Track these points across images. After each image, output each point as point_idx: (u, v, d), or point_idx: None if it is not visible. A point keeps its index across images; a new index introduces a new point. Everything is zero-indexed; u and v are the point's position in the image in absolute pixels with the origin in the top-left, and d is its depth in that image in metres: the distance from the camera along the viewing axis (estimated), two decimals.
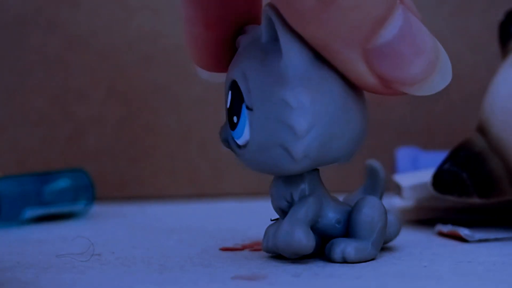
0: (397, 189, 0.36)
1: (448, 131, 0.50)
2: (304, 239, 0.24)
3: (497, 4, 0.42)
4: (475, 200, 0.32)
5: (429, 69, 0.23)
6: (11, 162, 0.49)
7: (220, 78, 0.28)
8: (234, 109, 0.25)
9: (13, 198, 0.38)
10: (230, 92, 0.25)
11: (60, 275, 0.24)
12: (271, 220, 0.27)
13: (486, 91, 0.33)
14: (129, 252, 0.29)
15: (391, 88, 0.23)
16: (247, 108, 0.24)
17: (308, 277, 0.23)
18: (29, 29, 0.50)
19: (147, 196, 0.50)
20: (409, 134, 0.51)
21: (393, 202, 0.36)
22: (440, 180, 0.32)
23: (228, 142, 0.26)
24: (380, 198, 0.28)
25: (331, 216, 0.26)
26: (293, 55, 0.23)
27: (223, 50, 0.27)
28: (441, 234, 0.32)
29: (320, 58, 0.24)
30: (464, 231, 0.30)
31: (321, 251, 0.26)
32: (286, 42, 0.23)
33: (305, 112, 0.23)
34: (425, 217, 0.35)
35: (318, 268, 0.25)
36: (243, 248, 0.29)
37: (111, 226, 0.38)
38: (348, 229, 0.26)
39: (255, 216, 0.33)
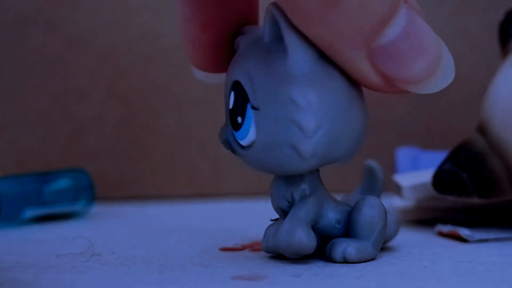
0: (397, 189, 0.36)
1: (448, 131, 0.50)
2: (305, 239, 0.24)
3: (497, 4, 0.42)
4: (475, 200, 0.32)
5: (433, 67, 0.23)
6: (11, 162, 0.49)
7: (216, 79, 0.28)
8: (238, 110, 0.25)
9: (13, 198, 0.38)
10: (232, 93, 0.25)
11: (60, 275, 0.24)
12: (271, 220, 0.27)
13: (486, 91, 0.33)
14: (129, 252, 0.29)
15: (394, 86, 0.24)
16: (253, 108, 0.24)
17: (308, 277, 0.23)
18: (29, 29, 0.50)
19: (147, 196, 0.50)
20: (409, 134, 0.51)
21: (393, 202, 0.36)
22: (440, 180, 0.32)
23: (229, 143, 0.26)
24: (378, 198, 0.29)
25: (331, 216, 0.26)
26: (299, 54, 0.23)
27: (220, 51, 0.26)
28: (441, 234, 0.32)
29: (324, 56, 0.24)
30: (464, 231, 0.30)
31: (321, 251, 0.26)
32: (292, 41, 0.23)
33: (313, 111, 0.23)
34: (425, 217, 0.35)
35: (318, 268, 0.25)
36: (243, 248, 0.29)
37: (111, 226, 0.38)
38: (348, 229, 0.26)
39: (255, 216, 0.33)
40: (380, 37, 0.23)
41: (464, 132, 0.34)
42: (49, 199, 0.39)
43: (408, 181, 0.35)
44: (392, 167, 0.43)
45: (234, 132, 0.25)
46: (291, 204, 0.26)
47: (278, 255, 0.26)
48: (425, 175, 0.34)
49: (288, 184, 0.26)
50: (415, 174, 0.36)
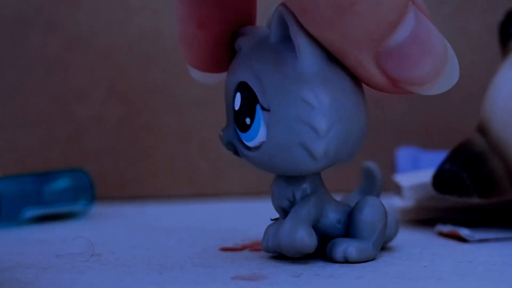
0: (397, 189, 0.36)
1: (448, 131, 0.50)
2: (306, 238, 0.24)
3: (497, 4, 0.42)
4: (475, 200, 0.32)
5: (438, 69, 0.23)
6: (11, 162, 0.49)
7: (213, 79, 0.28)
8: (246, 111, 0.25)
9: (13, 198, 0.38)
10: (239, 94, 0.25)
11: (60, 275, 0.24)
12: (271, 220, 0.27)
13: (486, 91, 0.33)
14: (129, 252, 0.29)
15: (399, 87, 0.24)
16: (263, 109, 0.24)
17: (308, 277, 0.23)
18: (29, 29, 0.50)
19: (147, 196, 0.50)
20: (409, 134, 0.51)
21: (393, 202, 0.36)
22: (440, 180, 0.32)
23: (233, 144, 0.26)
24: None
25: (332, 216, 0.26)
26: (309, 54, 0.24)
27: (217, 51, 0.26)
28: (441, 234, 0.32)
29: (331, 56, 0.24)
30: (464, 231, 0.30)
31: (321, 251, 0.26)
32: (302, 41, 0.23)
33: (325, 111, 0.23)
34: (425, 217, 0.35)
35: (318, 268, 0.25)
36: (243, 248, 0.29)
37: (111, 226, 0.38)
38: (348, 229, 0.26)
39: (255, 216, 0.33)
40: (388, 40, 0.23)
41: (464, 132, 0.34)
42: (49, 199, 0.39)
43: (408, 181, 0.35)
44: (392, 167, 0.43)
45: (240, 133, 0.25)
46: (292, 203, 0.26)
47: (278, 255, 0.26)
48: (425, 175, 0.34)
49: (290, 183, 0.26)
50: (415, 174, 0.36)
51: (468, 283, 0.23)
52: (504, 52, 0.34)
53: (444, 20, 0.51)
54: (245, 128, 0.25)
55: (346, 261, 0.25)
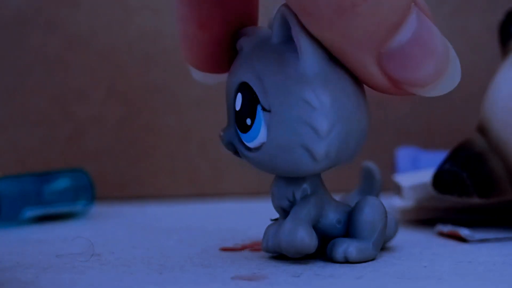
0: (397, 189, 0.36)
1: (448, 131, 0.50)
2: (307, 238, 0.24)
3: (497, 4, 0.42)
4: (475, 200, 0.32)
5: (440, 71, 0.23)
6: (11, 162, 0.49)
7: (213, 80, 0.28)
8: (247, 112, 0.25)
9: (13, 198, 0.38)
10: (240, 94, 0.25)
11: (60, 275, 0.24)
12: (271, 220, 0.27)
13: (486, 91, 0.33)
14: (129, 252, 0.29)
15: (401, 89, 0.24)
16: (264, 109, 0.24)
17: (308, 277, 0.23)
18: (29, 29, 0.50)
19: (147, 196, 0.50)
20: (409, 134, 0.51)
21: (393, 202, 0.36)
22: (440, 180, 0.32)
23: (233, 145, 0.26)
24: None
25: (332, 216, 0.26)
26: (311, 55, 0.24)
27: (218, 51, 0.26)
28: (441, 234, 0.32)
29: (332, 57, 0.24)
30: (464, 231, 0.30)
31: (321, 251, 0.26)
32: (304, 42, 0.23)
33: (327, 112, 0.23)
34: (425, 217, 0.35)
35: (318, 268, 0.25)
36: (243, 248, 0.29)
37: (111, 226, 0.38)
38: (348, 229, 0.26)
39: (255, 216, 0.33)
40: (390, 42, 0.23)
41: (464, 132, 0.34)
42: (49, 199, 0.39)
43: (408, 181, 0.35)
44: (392, 167, 0.43)
45: (240, 134, 0.25)
46: (292, 203, 0.26)
47: (278, 255, 0.26)
48: (425, 175, 0.34)
49: (290, 183, 0.26)
50: (415, 174, 0.36)
51: (468, 283, 0.23)
52: (504, 52, 0.34)
53: (444, 20, 0.51)
54: (246, 128, 0.25)
55: (346, 261, 0.25)
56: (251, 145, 0.25)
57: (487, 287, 0.22)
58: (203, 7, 0.26)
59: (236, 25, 0.26)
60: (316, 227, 0.25)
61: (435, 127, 0.51)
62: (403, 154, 0.43)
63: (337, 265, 0.25)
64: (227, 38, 0.26)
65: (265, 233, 0.27)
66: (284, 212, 0.26)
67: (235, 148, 0.26)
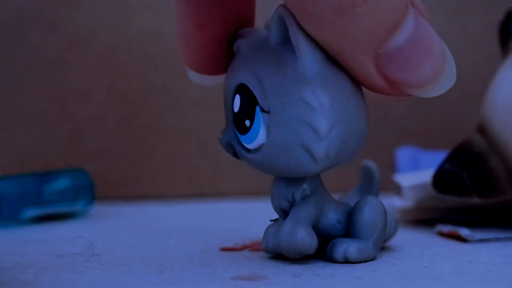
0: (397, 189, 0.36)
1: (448, 131, 0.50)
2: (307, 239, 0.24)
3: (497, 4, 0.42)
4: (475, 200, 0.32)
5: (437, 71, 0.23)
6: (11, 162, 0.49)
7: (210, 81, 0.28)
8: (246, 113, 0.25)
9: (13, 198, 0.38)
10: (238, 96, 0.25)
11: (60, 275, 0.24)
12: (271, 220, 0.27)
13: (486, 91, 0.33)
14: (129, 252, 0.29)
15: (398, 90, 0.24)
16: (262, 110, 0.24)
17: (308, 277, 0.23)
18: (29, 29, 0.50)
19: (147, 196, 0.50)
20: (409, 134, 0.51)
21: (393, 202, 0.36)
22: (440, 180, 0.32)
23: (232, 146, 0.26)
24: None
25: (332, 216, 0.26)
26: (309, 56, 0.24)
27: (216, 52, 0.26)
28: (441, 234, 0.32)
29: (331, 58, 0.24)
30: (464, 231, 0.30)
31: (321, 251, 0.26)
32: (302, 42, 0.23)
33: (326, 113, 0.23)
34: (425, 217, 0.35)
35: (318, 268, 0.25)
36: (243, 248, 0.29)
37: (111, 226, 0.38)
38: (348, 229, 0.26)
39: (255, 216, 0.33)
40: (388, 42, 0.23)
41: (464, 132, 0.34)
42: (49, 199, 0.39)
43: (408, 181, 0.35)
44: (392, 167, 0.43)
45: (239, 135, 0.25)
46: (292, 204, 0.26)
47: (278, 255, 0.26)
48: (425, 175, 0.34)
49: (289, 184, 0.26)
50: (415, 174, 0.36)
51: (468, 283, 0.23)
52: (504, 52, 0.34)
53: (444, 20, 0.51)
54: (245, 130, 0.25)
55: (346, 261, 0.25)
56: (250, 146, 0.25)
57: (487, 287, 0.22)
58: (201, 7, 0.26)
59: (234, 25, 0.26)
60: (316, 227, 0.25)
61: (435, 127, 0.51)
62: (403, 154, 0.43)
63: (337, 265, 0.25)
64: (225, 39, 0.26)
65: (265, 234, 0.27)
66: (284, 213, 0.26)
67: (234, 149, 0.26)
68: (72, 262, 0.26)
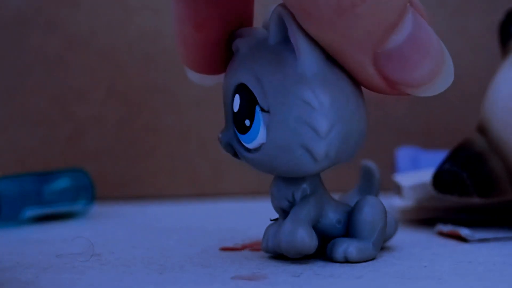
0: (397, 189, 0.36)
1: (448, 131, 0.50)
2: (307, 239, 0.24)
3: (497, 4, 0.42)
4: (475, 200, 0.32)
5: (435, 71, 0.23)
6: (11, 162, 0.49)
7: (209, 81, 0.27)
8: (246, 113, 0.25)
9: (13, 198, 0.38)
10: (237, 96, 0.25)
11: (60, 275, 0.24)
12: (271, 220, 0.27)
13: (486, 91, 0.33)
14: (129, 252, 0.29)
15: (396, 89, 0.24)
16: (263, 110, 0.24)
17: (308, 277, 0.23)
18: (29, 29, 0.50)
19: (147, 196, 0.50)
20: (409, 134, 0.51)
21: (393, 202, 0.36)
22: (440, 180, 0.32)
23: (232, 146, 0.26)
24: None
25: (332, 216, 0.26)
26: (309, 55, 0.24)
27: (214, 52, 0.26)
28: (441, 234, 0.32)
29: (330, 58, 0.24)
30: (464, 231, 0.30)
31: (321, 251, 0.26)
32: (301, 41, 0.23)
33: (326, 112, 0.23)
34: (425, 217, 0.35)
35: (318, 268, 0.25)
36: (243, 248, 0.29)
37: (111, 226, 0.38)
38: (348, 229, 0.26)
39: (255, 216, 0.33)
40: (387, 42, 0.23)
41: (464, 132, 0.34)
42: (49, 199, 0.39)
43: (408, 181, 0.35)
44: (392, 167, 0.43)
45: (239, 135, 0.25)
46: (292, 204, 0.26)
47: (278, 255, 0.26)
48: (425, 175, 0.34)
49: (289, 184, 0.26)
50: (415, 174, 0.36)
51: (468, 283, 0.23)
52: (504, 52, 0.34)
53: (444, 20, 0.51)
54: (245, 130, 0.25)
55: (346, 261, 0.25)
56: (250, 146, 0.25)
57: (487, 287, 0.22)
58: (199, 7, 0.26)
59: (233, 25, 0.26)
60: (316, 227, 0.25)
61: (435, 127, 0.51)
62: (403, 154, 0.43)
63: (337, 265, 0.25)
64: (223, 39, 0.26)
65: (265, 234, 0.27)
66: (284, 213, 0.26)
67: (234, 149, 0.26)
68: (72, 262, 0.26)
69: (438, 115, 0.51)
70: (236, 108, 0.25)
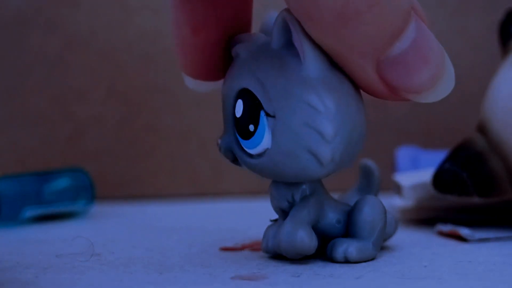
0: (397, 189, 0.36)
1: (448, 131, 0.50)
2: (307, 240, 0.24)
3: (497, 4, 0.42)
4: (475, 199, 0.32)
5: (437, 77, 0.23)
6: (11, 162, 0.49)
7: (207, 87, 0.27)
8: (250, 118, 0.24)
9: (13, 198, 0.38)
10: (240, 101, 0.25)
11: (60, 275, 0.24)
12: (270, 221, 0.27)
13: (486, 91, 0.33)
14: (129, 252, 0.29)
15: (398, 95, 0.24)
16: (267, 115, 0.24)
17: (308, 277, 0.23)
18: (29, 29, 0.50)
19: (147, 196, 0.50)
20: (409, 134, 0.51)
21: (393, 202, 0.36)
22: (440, 179, 0.32)
23: (232, 152, 0.26)
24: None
25: (331, 216, 0.26)
26: (313, 60, 0.23)
27: (212, 57, 0.26)
28: (441, 234, 0.32)
29: (333, 63, 0.24)
30: (464, 231, 0.30)
31: (321, 251, 0.26)
32: (307, 47, 0.23)
33: (332, 116, 0.23)
34: (425, 217, 0.35)
35: (318, 268, 0.25)
36: (243, 248, 0.29)
37: (111, 226, 0.38)
38: (348, 229, 0.26)
39: (255, 216, 0.33)
40: (391, 49, 0.23)
41: (464, 132, 0.34)
42: (49, 199, 0.39)
43: (408, 181, 0.35)
44: (392, 167, 0.43)
45: (242, 140, 0.25)
46: (292, 204, 0.26)
47: (278, 255, 0.26)
48: (425, 175, 0.34)
49: (289, 184, 0.26)
50: (415, 174, 0.36)
51: (468, 283, 0.23)
52: (504, 52, 0.34)
53: (444, 20, 0.51)
54: (248, 135, 0.25)
55: (346, 261, 0.25)
56: (253, 151, 0.25)
57: (487, 287, 0.22)
58: (197, 10, 0.26)
59: (231, 30, 0.26)
60: (316, 227, 0.25)
61: (435, 127, 0.51)
62: (403, 154, 0.43)
63: (337, 265, 0.25)
64: (221, 43, 0.26)
65: (264, 234, 0.27)
66: (284, 213, 0.26)
67: (234, 155, 0.26)
68: (72, 262, 0.26)
69: (438, 115, 0.51)
70: (239, 113, 0.25)
